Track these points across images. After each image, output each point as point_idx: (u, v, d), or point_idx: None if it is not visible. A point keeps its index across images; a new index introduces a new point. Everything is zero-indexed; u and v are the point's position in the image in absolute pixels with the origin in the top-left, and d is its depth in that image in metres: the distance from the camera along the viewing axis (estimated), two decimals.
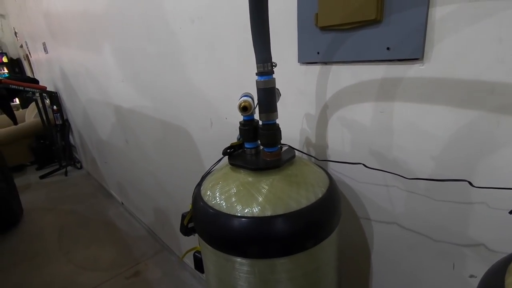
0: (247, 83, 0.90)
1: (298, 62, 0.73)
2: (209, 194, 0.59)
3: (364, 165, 0.60)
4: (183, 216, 0.65)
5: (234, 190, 0.57)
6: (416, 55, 0.52)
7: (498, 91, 0.46)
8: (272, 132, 0.59)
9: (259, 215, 0.51)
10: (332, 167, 0.75)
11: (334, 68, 0.66)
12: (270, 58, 0.55)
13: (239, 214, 0.53)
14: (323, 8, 0.62)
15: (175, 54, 1.17)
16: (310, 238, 0.52)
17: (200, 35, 1.01)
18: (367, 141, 0.65)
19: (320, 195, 0.56)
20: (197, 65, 1.08)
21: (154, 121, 1.52)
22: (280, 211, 0.51)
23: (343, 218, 0.66)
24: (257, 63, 0.56)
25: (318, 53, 0.68)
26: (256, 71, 0.57)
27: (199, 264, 0.72)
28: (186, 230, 0.66)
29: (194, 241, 0.75)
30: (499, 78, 0.45)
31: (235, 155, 0.64)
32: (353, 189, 0.72)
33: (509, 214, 0.48)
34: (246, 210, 0.53)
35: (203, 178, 0.67)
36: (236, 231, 0.52)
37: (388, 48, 0.56)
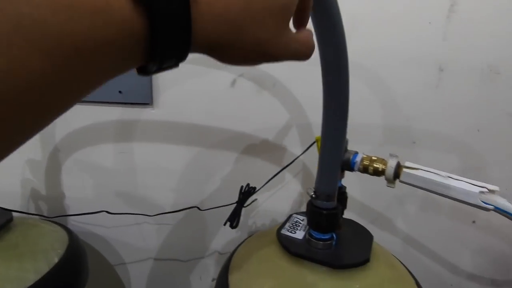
0: None
1: None
2: None
3: (107, 212, 0.57)
4: None
5: None
6: (146, 101, 0.58)
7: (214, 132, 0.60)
8: None
9: None
10: (75, 219, 0.64)
11: None
12: None
13: None
14: None
15: None
16: None
17: None
18: (112, 183, 0.62)
19: (56, 260, 0.46)
20: None
21: None
22: None
23: (95, 272, 0.58)
24: None
25: None
26: None
27: None
28: None
29: None
30: (211, 122, 0.60)
31: None
32: (103, 237, 0.66)
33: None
34: None
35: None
36: None
37: (120, 92, 0.58)
